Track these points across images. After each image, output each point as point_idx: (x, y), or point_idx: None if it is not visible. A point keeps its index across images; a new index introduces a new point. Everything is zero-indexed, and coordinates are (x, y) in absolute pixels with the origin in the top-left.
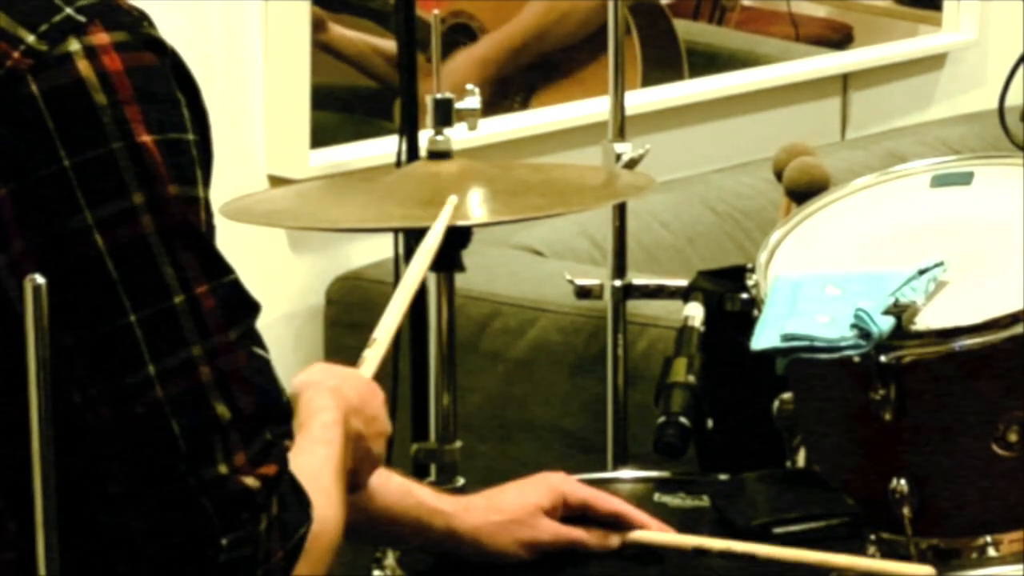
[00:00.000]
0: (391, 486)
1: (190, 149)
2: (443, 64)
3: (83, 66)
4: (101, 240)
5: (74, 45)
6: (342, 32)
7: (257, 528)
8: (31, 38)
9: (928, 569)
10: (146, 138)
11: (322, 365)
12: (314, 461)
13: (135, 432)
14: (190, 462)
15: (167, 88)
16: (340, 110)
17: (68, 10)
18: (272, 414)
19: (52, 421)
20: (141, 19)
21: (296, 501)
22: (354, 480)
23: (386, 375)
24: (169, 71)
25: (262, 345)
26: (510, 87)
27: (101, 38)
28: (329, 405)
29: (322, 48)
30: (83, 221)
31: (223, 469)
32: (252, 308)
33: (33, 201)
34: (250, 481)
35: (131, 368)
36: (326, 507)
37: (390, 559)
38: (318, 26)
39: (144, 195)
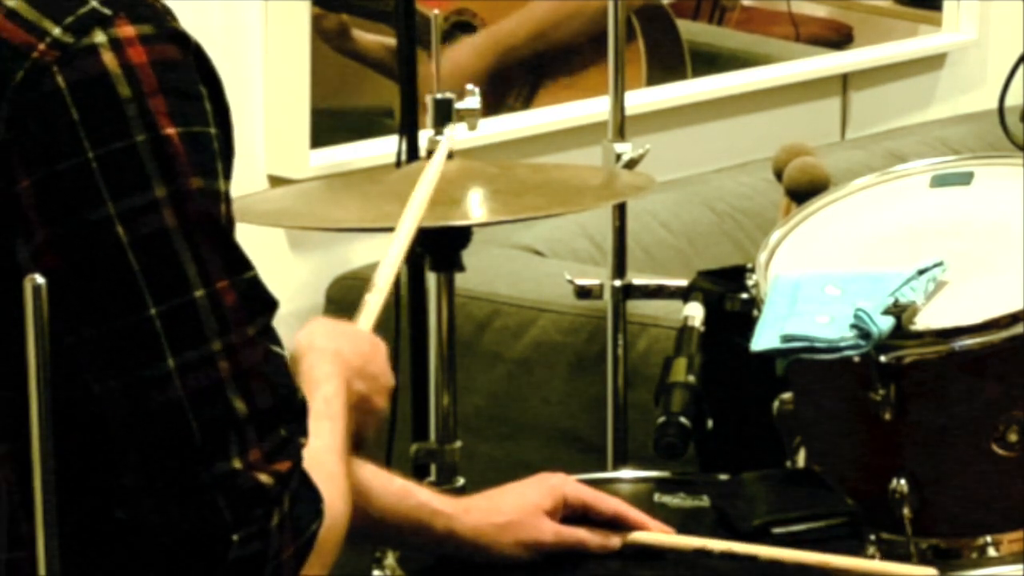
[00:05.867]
0: (392, 488)
1: (212, 143)
2: (443, 49)
3: (108, 58)
4: (123, 232)
5: (99, 37)
6: (365, 37)
7: (269, 524)
8: (57, 30)
9: (930, 570)
10: (170, 131)
11: (322, 321)
12: (319, 443)
13: (152, 425)
14: (205, 456)
15: (190, 81)
16: None
17: (93, 3)
18: (288, 410)
19: (52, 420)
20: (165, 12)
21: (308, 497)
22: (357, 440)
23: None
24: (192, 64)
25: (278, 342)
26: (514, 82)
27: (126, 31)
28: (331, 374)
29: (348, 55)
30: (105, 213)
31: (237, 464)
32: (270, 305)
33: (56, 192)
34: (264, 477)
35: (150, 361)
36: (335, 498)
37: (390, 559)
38: (342, 33)
39: (167, 188)
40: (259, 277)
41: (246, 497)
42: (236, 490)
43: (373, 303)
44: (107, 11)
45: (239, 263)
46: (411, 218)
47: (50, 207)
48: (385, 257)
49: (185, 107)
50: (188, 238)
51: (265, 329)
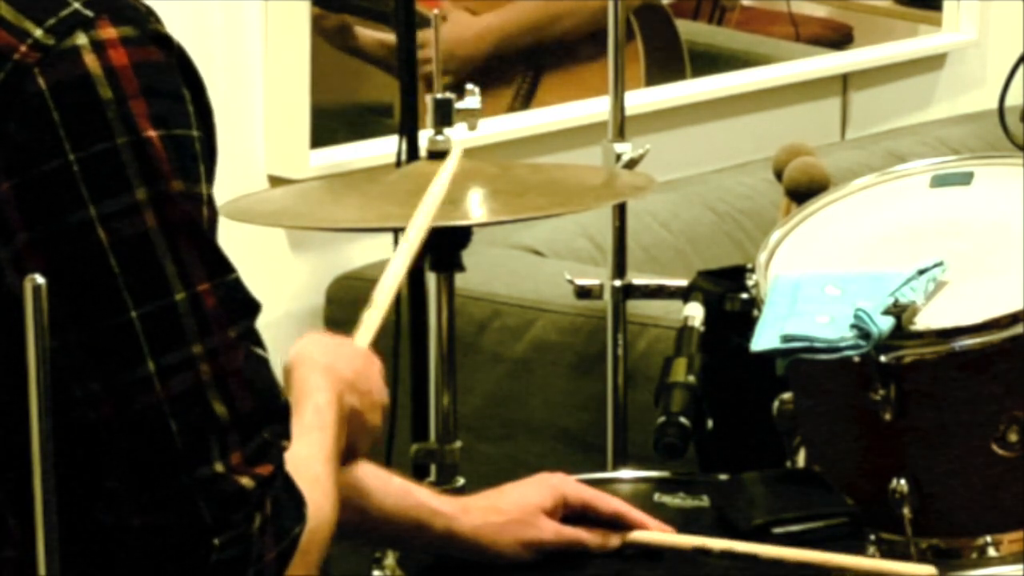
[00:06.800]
0: (391, 487)
1: (194, 145)
2: (443, 24)
3: (90, 60)
4: (104, 235)
5: (81, 39)
6: (368, 34)
7: (250, 528)
8: (38, 32)
9: (930, 569)
10: (151, 133)
11: (316, 337)
12: (305, 450)
13: (133, 428)
14: (186, 460)
15: (173, 84)
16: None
17: (75, 4)
18: (270, 414)
19: (52, 419)
20: (148, 14)
21: (291, 501)
22: (351, 453)
23: (386, 376)
24: (175, 67)
25: (261, 345)
26: (518, 66)
27: (108, 32)
28: (322, 386)
29: (351, 52)
30: (86, 216)
31: (219, 468)
32: (253, 307)
33: (37, 195)
34: (245, 481)
35: (131, 364)
36: (320, 500)
37: (390, 559)
38: (345, 31)
39: (148, 191)
40: (241, 280)
41: (227, 501)
42: (217, 494)
43: (371, 320)
44: (89, 13)
45: (220, 266)
46: (412, 238)
47: (31, 210)
48: (384, 275)
49: (167, 110)
50: (169, 241)
51: (247, 332)
